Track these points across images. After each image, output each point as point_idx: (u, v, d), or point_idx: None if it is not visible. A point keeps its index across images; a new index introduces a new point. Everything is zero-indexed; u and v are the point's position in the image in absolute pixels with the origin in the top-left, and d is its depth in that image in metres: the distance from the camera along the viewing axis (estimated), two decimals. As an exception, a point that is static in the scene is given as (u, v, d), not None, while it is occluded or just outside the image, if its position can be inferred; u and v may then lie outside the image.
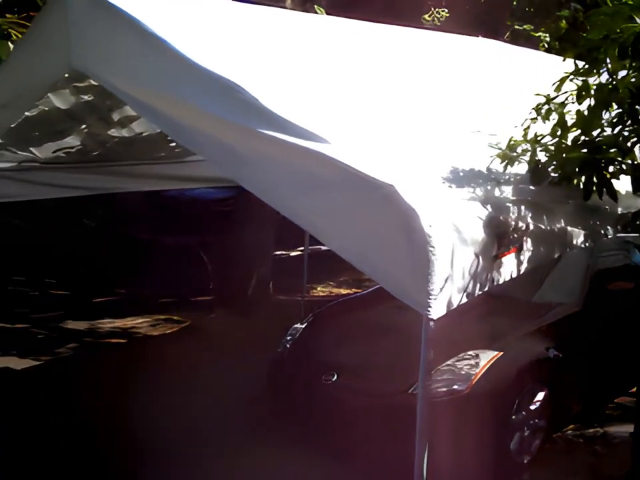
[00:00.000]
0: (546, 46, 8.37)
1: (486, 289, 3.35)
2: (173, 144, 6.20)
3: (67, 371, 7.58)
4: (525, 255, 3.67)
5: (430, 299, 2.96)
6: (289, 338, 6.41)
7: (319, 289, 10.78)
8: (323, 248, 11.49)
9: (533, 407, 5.49)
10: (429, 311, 2.98)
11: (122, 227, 15.27)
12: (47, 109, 4.99)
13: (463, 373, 5.19)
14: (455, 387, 5.11)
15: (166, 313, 9.58)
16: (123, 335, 8.77)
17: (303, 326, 6.52)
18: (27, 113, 4.76)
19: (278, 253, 10.52)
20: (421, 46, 6.00)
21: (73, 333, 8.79)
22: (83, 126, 5.44)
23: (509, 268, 3.56)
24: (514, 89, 5.53)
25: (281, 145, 3.03)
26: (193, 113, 3.31)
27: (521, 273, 3.66)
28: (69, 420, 6.20)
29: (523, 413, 5.42)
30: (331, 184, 3.02)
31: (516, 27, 8.64)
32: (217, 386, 6.88)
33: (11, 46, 5.03)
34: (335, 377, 5.56)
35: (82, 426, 6.08)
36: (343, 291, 10.75)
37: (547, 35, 8.34)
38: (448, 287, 3.05)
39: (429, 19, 12.41)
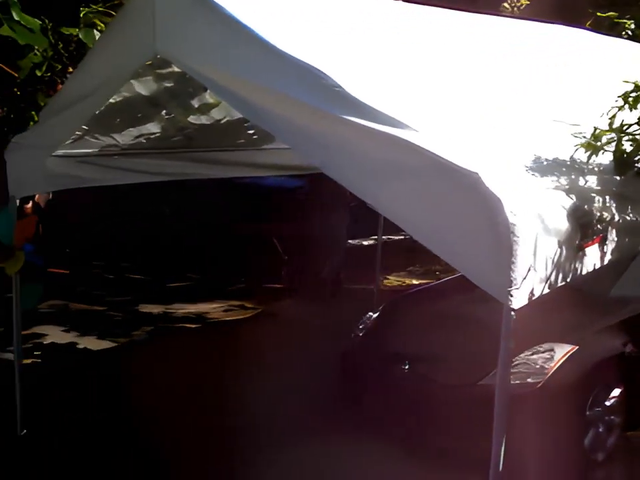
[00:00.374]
0: (630, 34, 8.12)
1: (569, 279, 3.29)
2: (251, 131, 6.26)
3: (143, 353, 7.76)
4: (609, 247, 3.59)
5: (512, 288, 2.92)
6: (361, 326, 6.43)
7: (391, 278, 10.75)
8: (396, 237, 11.56)
9: (608, 404, 5.38)
10: (510, 301, 2.94)
11: (196, 214, 15.52)
12: (129, 95, 5.10)
13: (537, 366, 5.11)
14: (529, 380, 5.04)
15: (239, 300, 9.69)
16: (197, 319, 8.91)
17: (376, 314, 6.52)
18: (110, 100, 4.88)
19: (351, 241, 10.52)
20: (503, 33, 5.91)
21: (147, 317, 8.98)
22: (164, 112, 5.53)
23: (593, 259, 3.49)
24: (597, 77, 5.41)
25: (365, 131, 3.02)
26: (277, 99, 3.33)
27: (605, 264, 3.58)
28: (146, 401, 6.34)
29: (598, 409, 5.32)
30: (415, 171, 3.00)
31: (598, 14, 8.40)
32: (289, 372, 6.93)
33: (97, 34, 5.13)
34: (407, 366, 5.55)
35: (159, 407, 6.21)
36: (415, 281, 10.69)
37: (632, 22, 8.08)
38: (530, 276, 3.00)
39: (508, 7, 12.20)
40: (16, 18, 4.03)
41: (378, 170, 3.10)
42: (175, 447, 5.55)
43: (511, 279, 2.91)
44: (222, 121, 5.94)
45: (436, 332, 5.88)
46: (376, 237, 9.21)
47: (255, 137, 6.40)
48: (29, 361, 6.58)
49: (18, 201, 5.39)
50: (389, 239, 9.41)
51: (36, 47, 4.46)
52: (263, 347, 7.69)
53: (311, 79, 3.18)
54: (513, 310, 2.96)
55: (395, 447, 5.43)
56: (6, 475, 5.11)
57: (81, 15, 4.70)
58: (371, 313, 6.58)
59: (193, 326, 8.66)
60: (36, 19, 4.29)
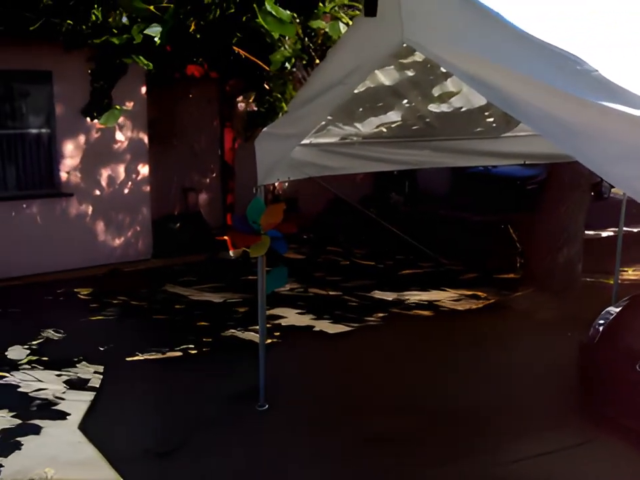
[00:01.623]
0: None
1: None
2: (490, 119, 6.16)
3: (378, 337, 7.92)
4: None
5: None
6: (601, 321, 6.11)
7: (630, 271, 10.17)
8: (635, 230, 10.91)
9: None
10: None
11: (428, 203, 15.62)
12: (372, 85, 5.20)
13: None
14: None
15: (471, 289, 9.62)
16: (429, 307, 8.94)
17: (618, 309, 6.17)
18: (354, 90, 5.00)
19: (588, 233, 10.06)
20: None
21: (381, 303, 9.15)
22: (405, 101, 5.58)
23: None
24: None
25: (626, 119, 2.86)
26: (527, 84, 3.24)
27: None
28: (380, 382, 6.49)
29: None
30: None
31: None
32: (522, 367, 6.80)
33: (342, 27, 5.27)
34: (655, 366, 5.22)
35: (394, 391, 6.33)
36: (658, 276, 10.06)
37: None
38: None
39: None
40: (269, 9, 4.24)
41: (637, 159, 2.91)
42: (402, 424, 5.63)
43: None
44: (462, 109, 5.89)
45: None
46: (614, 229, 8.79)
47: (494, 125, 6.29)
48: (269, 341, 6.93)
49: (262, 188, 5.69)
50: (628, 231, 8.89)
51: (285, 42, 4.64)
52: (494, 338, 7.61)
53: (568, 66, 3.05)
54: None
55: (631, 449, 5.17)
56: (246, 445, 5.43)
57: (327, 9, 4.84)
58: (611, 307, 6.25)
59: (425, 313, 8.70)
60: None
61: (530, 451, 5.23)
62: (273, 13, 4.38)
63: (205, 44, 4.21)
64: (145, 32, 4.25)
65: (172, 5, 4.32)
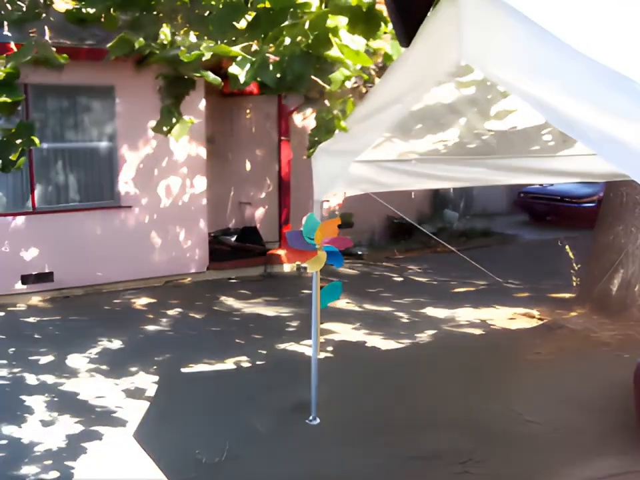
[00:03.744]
0: None
1: None
2: (547, 137, 6.13)
3: (430, 354, 7.90)
4: None
5: None
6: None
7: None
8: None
9: None
10: None
11: (483, 220, 15.57)
12: (430, 103, 5.22)
13: None
14: None
15: (525, 307, 9.53)
16: (481, 325, 8.89)
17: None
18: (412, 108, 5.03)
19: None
20: None
21: (433, 320, 9.12)
22: (462, 119, 5.59)
23: None
24: None
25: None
26: (584, 104, 3.25)
27: None
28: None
29: None
30: None
31: None
32: (576, 389, 6.71)
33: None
34: None
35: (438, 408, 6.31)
36: None
37: None
38: None
39: None
40: (345, 42, 4.27)
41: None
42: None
43: None
44: (518, 128, 5.88)
45: None
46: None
47: (550, 143, 6.25)
48: (321, 355, 6.98)
49: (321, 204, 5.76)
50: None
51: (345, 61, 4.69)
52: (547, 359, 7.54)
53: (625, 85, 3.05)
54: None
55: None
56: (296, 459, 5.47)
57: (387, 30, 4.88)
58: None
59: (477, 331, 8.66)
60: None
61: (581, 476, 5.16)
62: (350, 43, 4.40)
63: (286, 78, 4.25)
64: (229, 70, 4.30)
65: (258, 45, 4.38)
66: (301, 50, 4.15)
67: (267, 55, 4.22)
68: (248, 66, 4.28)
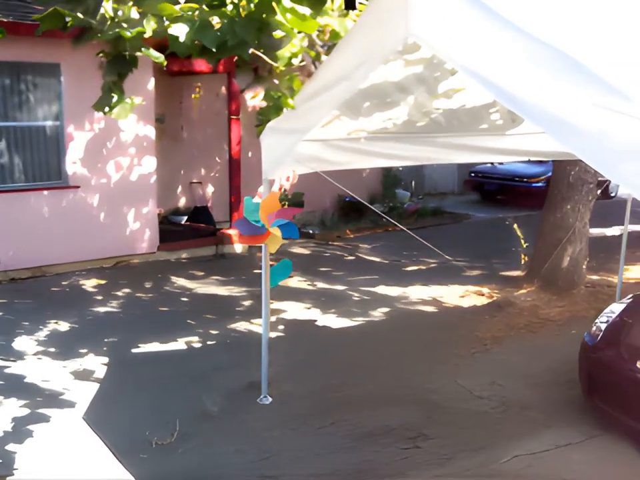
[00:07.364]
0: None
1: None
2: (496, 116, 6.17)
3: (382, 332, 7.96)
4: None
5: None
6: (603, 319, 6.12)
7: (633, 270, 10.18)
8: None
9: None
10: None
11: (434, 199, 15.68)
12: (378, 81, 5.21)
13: None
14: None
15: (476, 284, 9.64)
16: (432, 303, 8.97)
17: (621, 307, 6.18)
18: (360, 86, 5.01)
19: (593, 231, 10.08)
20: None
21: (385, 298, 9.17)
22: (411, 97, 5.59)
23: None
24: None
25: (625, 118, 2.88)
26: (531, 83, 3.26)
27: None
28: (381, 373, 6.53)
29: None
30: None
31: None
32: (523, 364, 6.84)
33: (349, 23, 5.27)
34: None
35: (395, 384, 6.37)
36: (662, 275, 10.07)
37: None
38: None
39: None
40: (288, 6, 4.23)
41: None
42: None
43: None
44: (466, 106, 5.90)
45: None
46: (620, 227, 8.83)
47: (499, 122, 6.30)
48: (273, 334, 6.96)
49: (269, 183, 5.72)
50: (634, 230, 8.93)
51: (294, 37, 4.64)
52: (496, 335, 7.66)
53: (572, 66, 3.08)
54: None
55: (627, 446, 5.21)
56: (247, 438, 5.47)
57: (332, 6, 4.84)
58: (614, 306, 6.26)
59: (429, 309, 8.73)
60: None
61: (528, 448, 5.25)
62: (293, 9, 4.36)
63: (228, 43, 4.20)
64: (169, 32, 4.24)
65: (196, 5, 4.31)
66: (242, 14, 4.10)
67: (209, 18, 4.17)
68: (187, 28, 4.23)
